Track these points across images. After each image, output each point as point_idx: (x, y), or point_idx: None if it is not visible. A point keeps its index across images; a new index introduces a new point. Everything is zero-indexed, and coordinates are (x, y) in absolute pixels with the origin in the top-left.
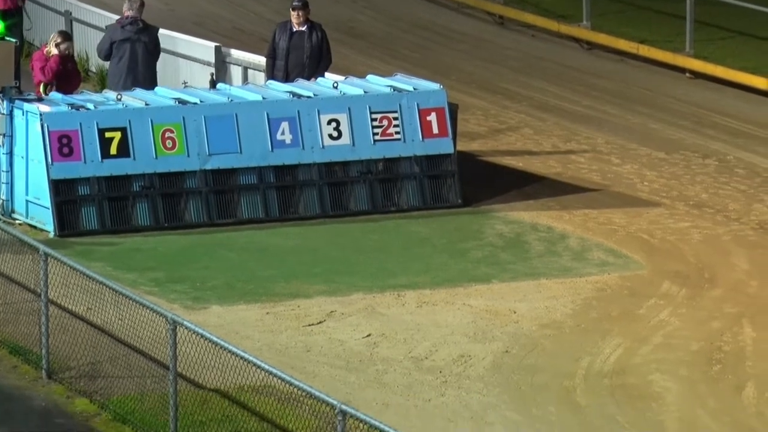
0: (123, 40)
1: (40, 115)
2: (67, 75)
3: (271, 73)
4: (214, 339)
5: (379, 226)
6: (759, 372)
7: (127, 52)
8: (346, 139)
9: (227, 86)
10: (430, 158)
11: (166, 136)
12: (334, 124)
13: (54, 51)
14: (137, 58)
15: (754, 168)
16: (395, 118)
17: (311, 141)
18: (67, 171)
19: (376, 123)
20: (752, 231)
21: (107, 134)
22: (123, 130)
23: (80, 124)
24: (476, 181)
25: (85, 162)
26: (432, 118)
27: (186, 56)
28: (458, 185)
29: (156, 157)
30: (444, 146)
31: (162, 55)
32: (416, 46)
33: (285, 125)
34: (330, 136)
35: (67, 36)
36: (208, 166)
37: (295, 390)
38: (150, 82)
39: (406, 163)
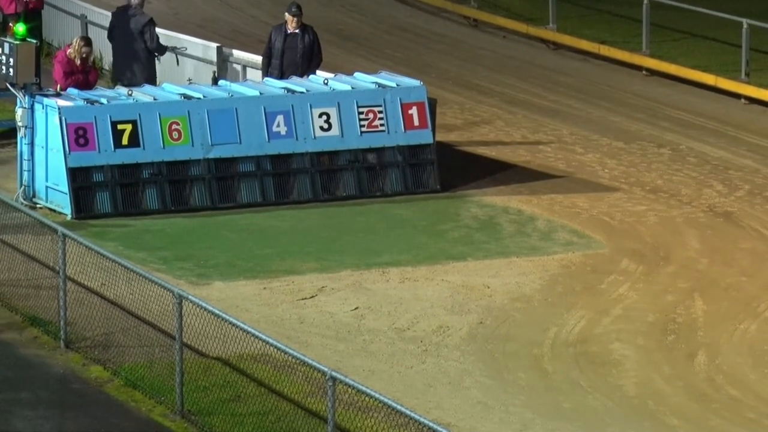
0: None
1: (59, 109)
2: (85, 72)
3: (266, 71)
4: (217, 312)
5: (366, 209)
6: (709, 341)
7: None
8: (335, 130)
9: (228, 83)
10: (411, 148)
11: (173, 128)
12: (324, 117)
13: (77, 59)
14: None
15: (704, 156)
16: (380, 112)
17: (304, 132)
18: (83, 160)
19: (362, 116)
20: (702, 213)
21: (119, 126)
22: (134, 122)
23: (95, 117)
24: (453, 169)
25: (99, 151)
26: (413, 111)
27: (190, 56)
28: (437, 172)
29: (163, 147)
30: (424, 137)
31: (168, 55)
32: (399, 46)
33: (280, 118)
34: (321, 128)
35: (88, 41)
36: (211, 155)
37: (290, 358)
38: (135, 60)
39: (390, 153)
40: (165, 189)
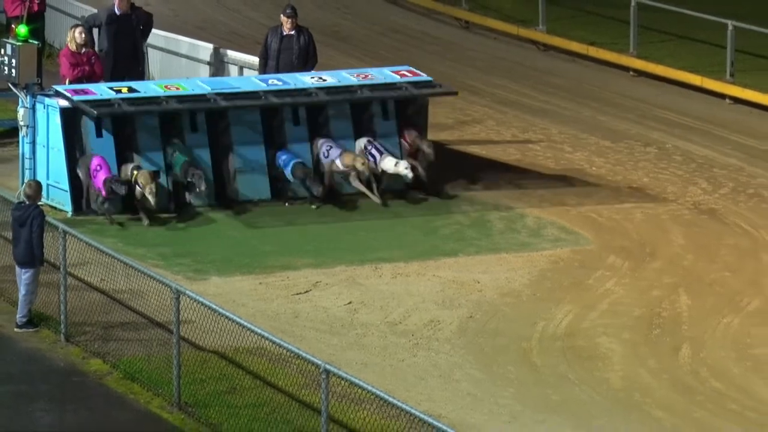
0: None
1: (60, 108)
2: (90, 64)
3: (263, 72)
4: (213, 306)
5: (360, 205)
6: (694, 335)
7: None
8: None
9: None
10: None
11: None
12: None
13: (72, 45)
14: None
15: (690, 155)
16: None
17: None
18: None
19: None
20: (688, 211)
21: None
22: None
23: None
24: (445, 167)
25: None
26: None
27: (189, 56)
28: (429, 170)
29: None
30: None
31: (167, 55)
32: (392, 47)
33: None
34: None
35: (78, 24)
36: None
37: (285, 351)
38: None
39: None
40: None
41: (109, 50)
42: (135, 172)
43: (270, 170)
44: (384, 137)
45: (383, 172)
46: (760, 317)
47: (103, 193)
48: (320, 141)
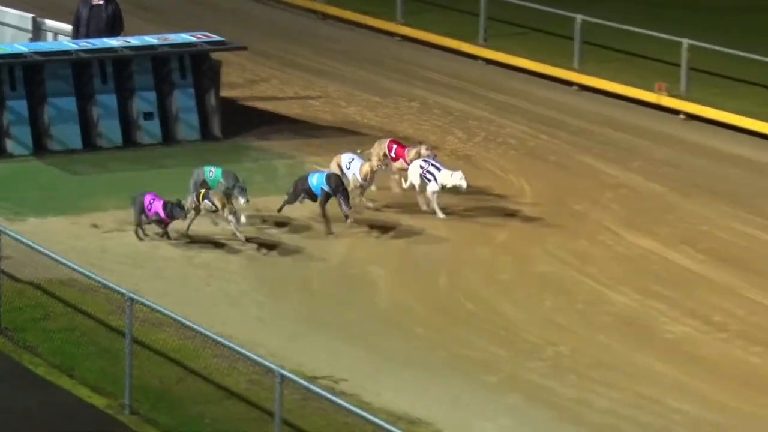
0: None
1: None
2: None
3: (75, 38)
4: (30, 243)
5: (166, 152)
6: (451, 264)
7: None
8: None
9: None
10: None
11: None
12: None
13: None
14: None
15: (448, 109)
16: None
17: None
18: None
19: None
20: (447, 157)
21: None
22: None
23: None
24: (236, 121)
25: None
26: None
27: (8, 24)
28: (220, 122)
29: None
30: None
31: None
32: (193, 16)
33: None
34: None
35: None
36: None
37: (93, 282)
38: None
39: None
40: None
41: None
42: (202, 192)
43: (81, 119)
44: (181, 89)
45: (443, 186)
46: (506, 248)
47: (162, 215)
48: (343, 155)
